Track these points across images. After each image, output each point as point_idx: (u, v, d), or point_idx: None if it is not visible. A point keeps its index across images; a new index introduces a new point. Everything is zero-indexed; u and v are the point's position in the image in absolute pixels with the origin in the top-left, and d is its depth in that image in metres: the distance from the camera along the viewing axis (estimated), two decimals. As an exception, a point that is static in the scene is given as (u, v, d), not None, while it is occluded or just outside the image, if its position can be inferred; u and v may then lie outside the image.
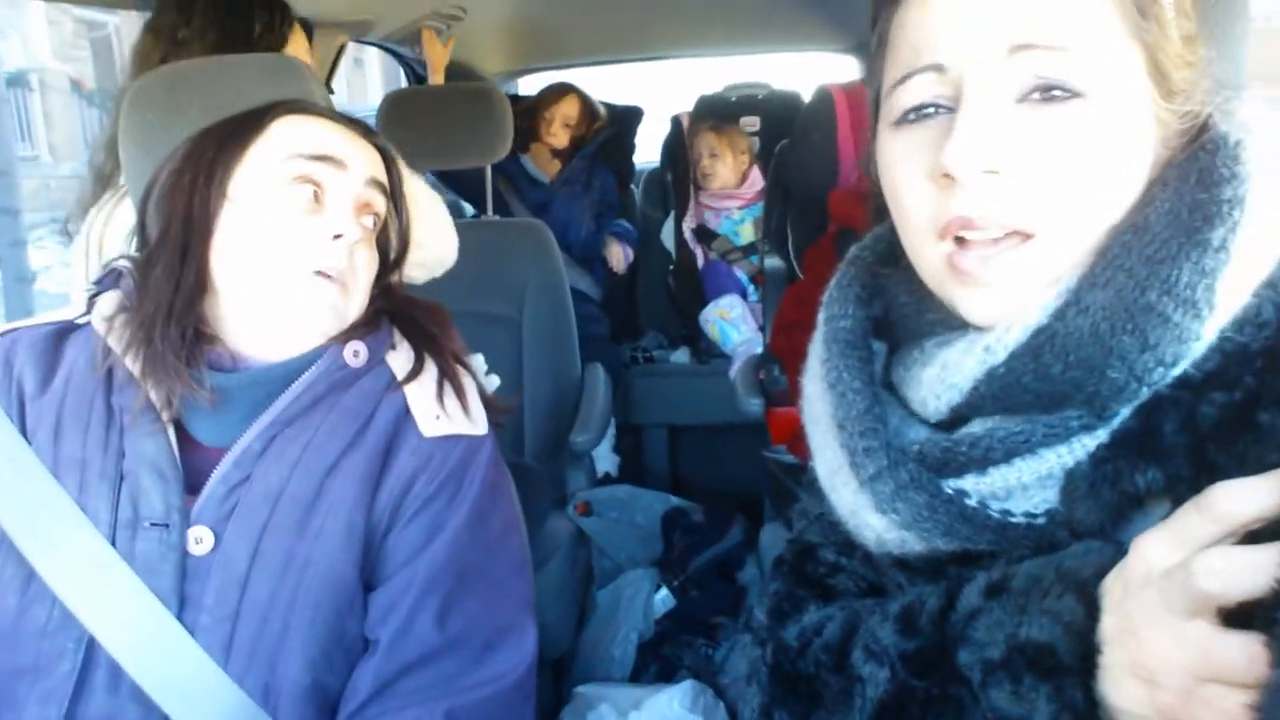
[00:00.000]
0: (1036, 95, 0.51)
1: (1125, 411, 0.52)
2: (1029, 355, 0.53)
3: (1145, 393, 0.51)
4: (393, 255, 1.01)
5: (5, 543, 0.83)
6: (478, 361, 1.07)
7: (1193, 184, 0.51)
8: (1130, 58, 0.52)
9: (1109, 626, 0.43)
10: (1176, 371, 0.50)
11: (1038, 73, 0.51)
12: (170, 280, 0.87)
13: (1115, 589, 0.44)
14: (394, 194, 0.98)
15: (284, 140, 0.89)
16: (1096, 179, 0.52)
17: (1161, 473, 0.49)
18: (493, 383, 1.08)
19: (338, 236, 0.87)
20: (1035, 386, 0.53)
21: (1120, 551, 0.45)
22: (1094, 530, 0.51)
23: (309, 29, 1.93)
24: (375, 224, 0.94)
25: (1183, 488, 0.47)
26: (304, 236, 0.87)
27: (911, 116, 0.56)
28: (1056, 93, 0.51)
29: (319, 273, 0.87)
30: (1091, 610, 0.45)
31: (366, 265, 0.93)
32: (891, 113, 0.57)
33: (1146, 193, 0.53)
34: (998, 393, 0.55)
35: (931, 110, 0.55)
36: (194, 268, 0.87)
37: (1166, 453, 0.49)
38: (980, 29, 0.52)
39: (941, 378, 0.57)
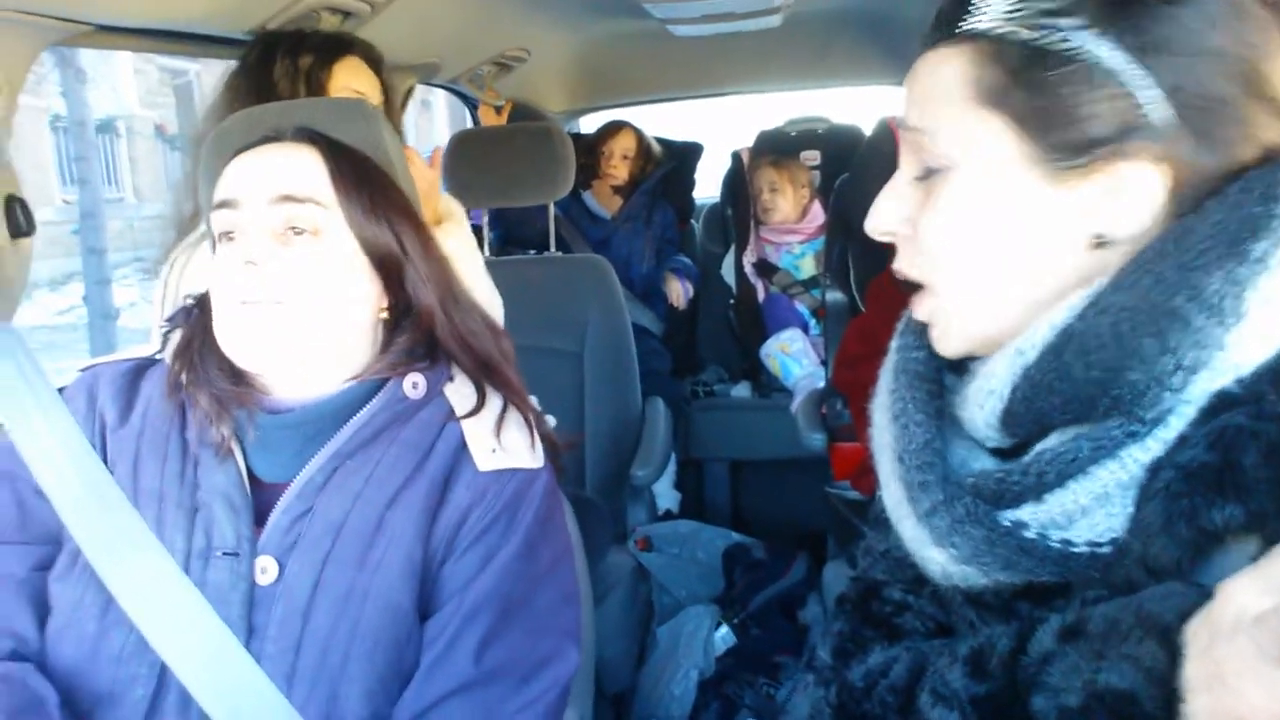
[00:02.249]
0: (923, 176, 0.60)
1: (1182, 427, 0.51)
2: (1052, 354, 0.54)
3: (1168, 398, 0.50)
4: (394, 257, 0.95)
5: (86, 570, 0.85)
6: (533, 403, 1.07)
7: (1255, 197, 0.51)
8: (992, 127, 0.56)
9: (1194, 674, 0.42)
10: (1206, 380, 0.50)
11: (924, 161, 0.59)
12: (198, 329, 0.93)
13: (1200, 635, 0.42)
14: (366, 196, 0.93)
15: (216, 193, 0.92)
16: (966, 240, 0.58)
17: (1242, 509, 0.47)
18: (549, 423, 1.08)
19: (246, 264, 0.87)
20: (1060, 388, 0.53)
21: (1202, 594, 0.43)
22: (1170, 568, 0.49)
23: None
24: (309, 234, 0.89)
25: (1271, 524, 0.46)
26: (225, 273, 0.88)
27: None
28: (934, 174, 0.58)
29: (242, 304, 0.87)
30: (1174, 656, 0.43)
31: (306, 277, 0.88)
32: None
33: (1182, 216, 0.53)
34: (1030, 396, 0.55)
35: None
36: (208, 319, 0.92)
37: (1247, 488, 0.47)
38: None
39: (983, 387, 0.58)
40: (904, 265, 0.62)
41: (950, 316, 0.60)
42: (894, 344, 0.69)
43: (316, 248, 0.89)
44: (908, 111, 0.60)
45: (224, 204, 0.90)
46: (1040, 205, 0.54)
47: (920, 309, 0.62)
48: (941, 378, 0.65)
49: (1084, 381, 0.52)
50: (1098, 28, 0.51)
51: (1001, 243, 0.56)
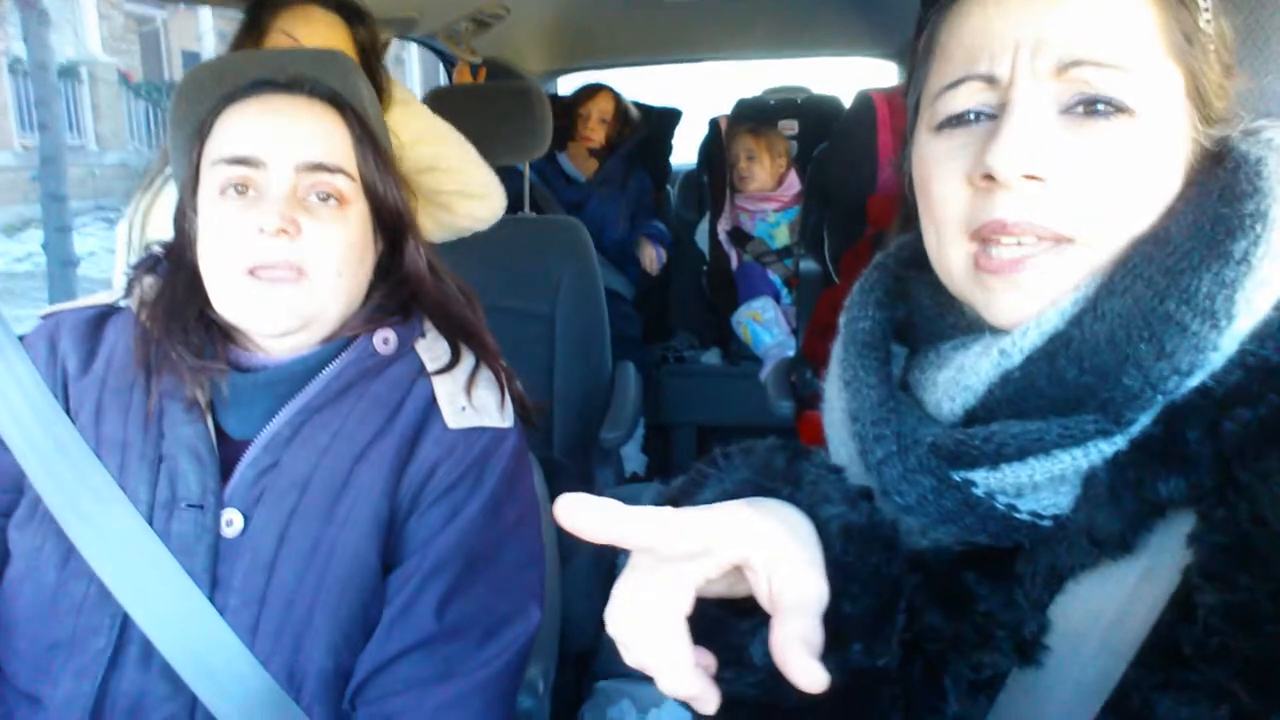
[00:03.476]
0: (1080, 109, 0.52)
1: (1144, 420, 0.51)
2: (1044, 359, 0.53)
3: (1160, 401, 0.51)
4: (398, 224, 0.96)
5: (46, 519, 0.85)
6: None
7: (1215, 198, 0.51)
8: (1173, 80, 0.53)
9: None
10: (1193, 381, 0.50)
11: (1086, 88, 0.51)
12: (170, 283, 0.91)
13: None
14: (378, 162, 0.93)
15: (217, 144, 0.89)
16: (1134, 193, 0.52)
17: (1184, 481, 0.48)
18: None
19: (262, 231, 0.84)
20: (1049, 391, 0.53)
21: None
22: (1114, 538, 0.50)
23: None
24: (336, 202, 0.89)
25: (1208, 501, 0.47)
26: (234, 236, 0.86)
27: (954, 121, 0.56)
28: (1100, 107, 0.51)
29: (251, 271, 0.85)
30: None
31: (334, 248, 0.88)
32: (935, 117, 0.57)
33: (1169, 207, 0.53)
34: (1012, 396, 0.55)
35: (973, 117, 0.55)
36: (185, 274, 0.90)
37: (1190, 461, 0.48)
38: (1032, 42, 0.52)
39: (956, 380, 0.57)
40: (1034, 215, 0.52)
41: (1087, 275, 0.53)
42: (842, 318, 0.69)
43: (341, 215, 0.88)
44: (1069, 35, 0.52)
45: (243, 160, 0.86)
46: (1183, 161, 0.53)
47: (1054, 268, 0.53)
48: (889, 345, 0.66)
49: (1075, 385, 0.52)
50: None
51: (1154, 201, 0.53)
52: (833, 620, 0.47)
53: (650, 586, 0.45)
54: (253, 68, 0.97)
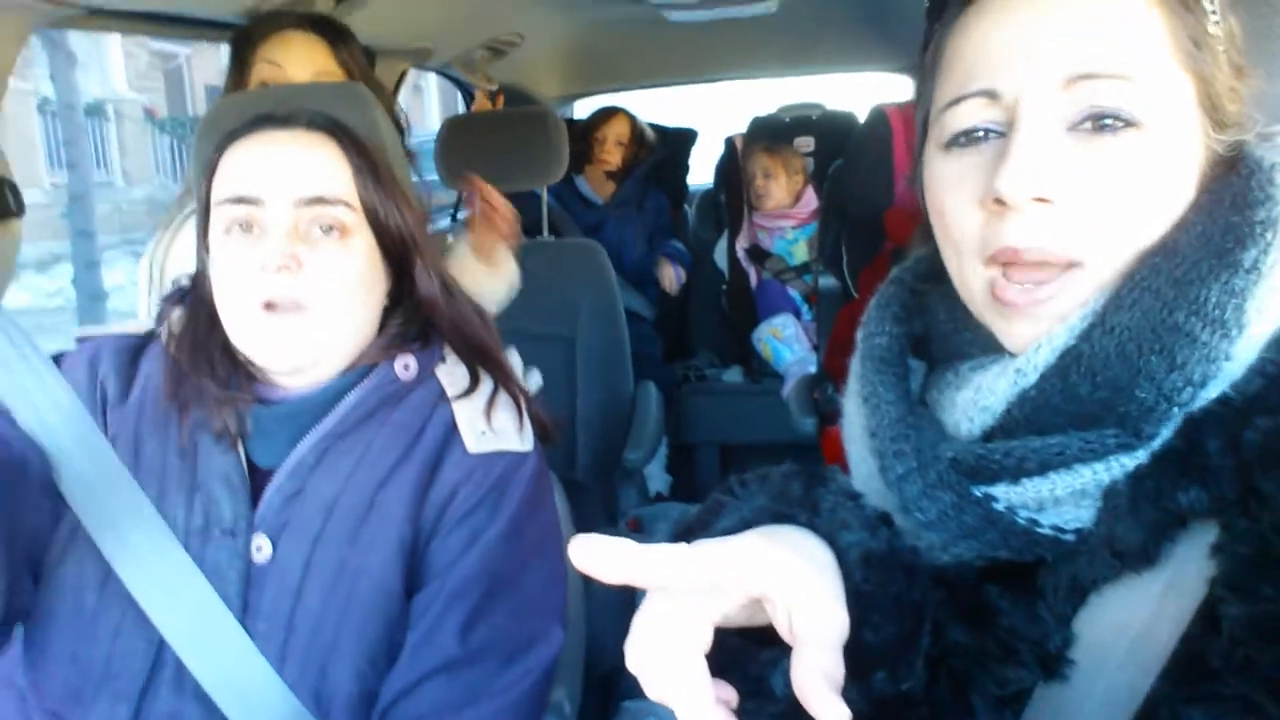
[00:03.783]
0: (1089, 124, 0.51)
1: (1165, 432, 0.51)
2: (1057, 376, 0.52)
3: (1177, 413, 0.50)
4: (405, 252, 0.96)
5: (87, 543, 0.86)
6: (534, 379, 1.08)
7: (1226, 206, 0.51)
8: (1183, 88, 0.52)
9: None
10: (1212, 392, 0.50)
11: (1093, 102, 0.50)
12: (193, 317, 0.92)
13: None
14: (378, 189, 0.92)
15: (220, 183, 0.89)
16: (1146, 208, 0.51)
17: (1205, 493, 0.47)
18: (534, 381, 1.08)
19: (264, 268, 0.85)
20: (1065, 408, 0.52)
21: None
22: (1136, 550, 0.49)
23: (371, 57, 1.98)
24: (338, 234, 0.88)
25: (1231, 512, 0.46)
26: (241, 274, 0.86)
27: (962, 140, 0.56)
28: (1109, 121, 0.50)
29: (267, 306, 0.85)
30: None
31: (338, 280, 0.88)
32: (942, 134, 0.57)
33: (1180, 218, 0.52)
34: (1030, 415, 0.54)
35: (982, 134, 0.55)
36: (206, 309, 0.91)
37: (1211, 472, 0.47)
38: (1038, 56, 0.52)
39: (975, 400, 0.57)
40: (1042, 239, 0.51)
41: (1101, 290, 0.52)
42: (859, 334, 0.68)
43: (344, 247, 0.89)
44: (1073, 47, 0.51)
45: (241, 200, 0.87)
46: (1196, 171, 0.52)
47: (1065, 293, 0.52)
48: (906, 361, 0.65)
49: (1090, 401, 0.52)
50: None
51: (1165, 214, 0.51)
52: (854, 650, 0.46)
53: (669, 623, 0.45)
54: (267, 104, 0.98)
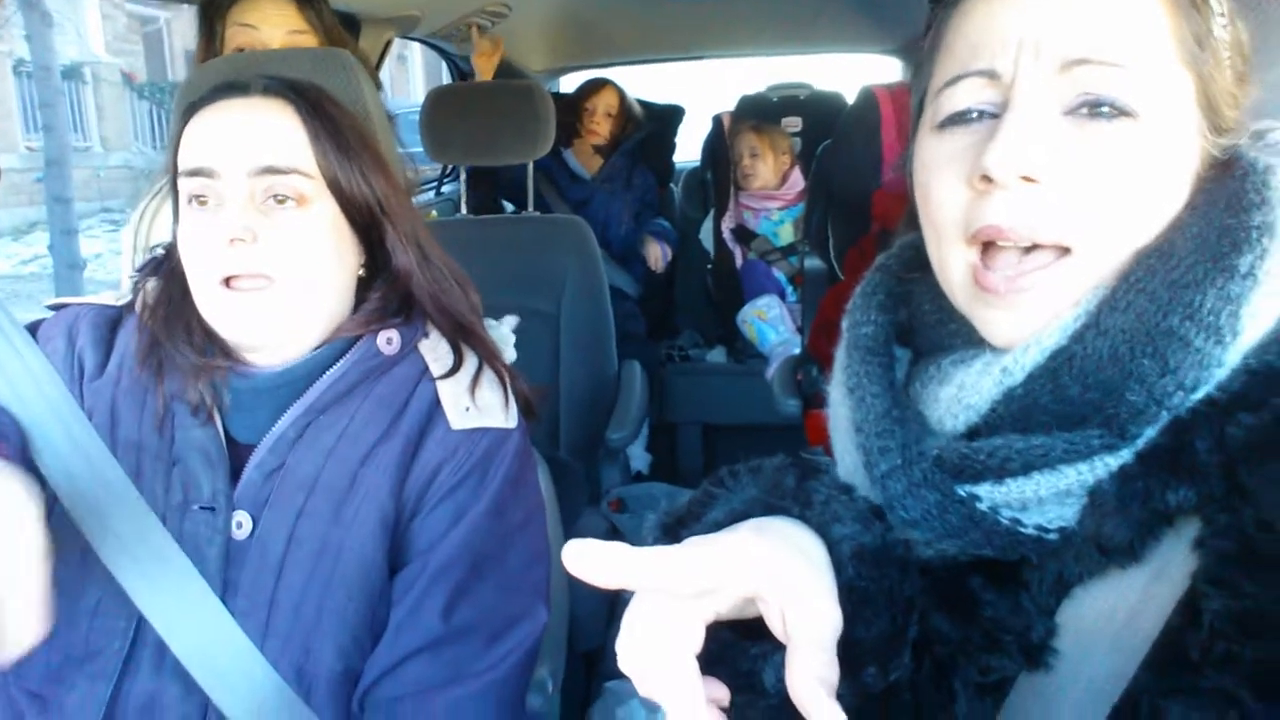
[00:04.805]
0: (1084, 110, 0.51)
1: (1150, 432, 0.51)
2: (1046, 377, 0.52)
3: (1165, 416, 0.50)
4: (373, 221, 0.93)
5: (65, 520, 0.84)
6: (506, 330, 1.06)
7: (1221, 209, 0.51)
8: (1183, 85, 0.52)
9: None
10: (1198, 395, 0.49)
11: (1089, 88, 0.50)
12: (169, 285, 0.91)
13: None
14: (339, 156, 0.89)
15: (182, 155, 0.88)
16: (1138, 199, 0.51)
17: (1194, 491, 0.48)
18: (509, 326, 1.07)
19: (235, 240, 0.83)
20: (1053, 408, 0.52)
21: None
22: (1123, 547, 0.50)
23: (356, 25, 1.95)
24: (294, 203, 0.86)
25: (1214, 507, 0.46)
26: (202, 247, 0.85)
27: (956, 120, 0.55)
28: (1104, 109, 0.50)
29: (226, 282, 0.84)
30: None
31: (297, 250, 0.86)
32: (936, 115, 0.57)
33: (1175, 217, 0.52)
34: (1016, 414, 0.54)
35: (975, 115, 0.54)
36: (181, 278, 0.89)
37: (1200, 471, 0.48)
38: (1038, 39, 0.52)
39: (958, 398, 0.57)
40: (1030, 219, 0.51)
41: (1089, 289, 0.52)
42: (845, 322, 0.68)
43: (302, 216, 0.86)
44: (1074, 34, 0.51)
45: (197, 172, 0.85)
46: (1190, 170, 0.52)
47: (1053, 286, 0.52)
48: (892, 349, 0.65)
49: (1079, 402, 0.51)
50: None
51: (1158, 210, 0.51)
52: (846, 646, 0.46)
53: (660, 622, 0.45)
54: (245, 72, 0.96)
